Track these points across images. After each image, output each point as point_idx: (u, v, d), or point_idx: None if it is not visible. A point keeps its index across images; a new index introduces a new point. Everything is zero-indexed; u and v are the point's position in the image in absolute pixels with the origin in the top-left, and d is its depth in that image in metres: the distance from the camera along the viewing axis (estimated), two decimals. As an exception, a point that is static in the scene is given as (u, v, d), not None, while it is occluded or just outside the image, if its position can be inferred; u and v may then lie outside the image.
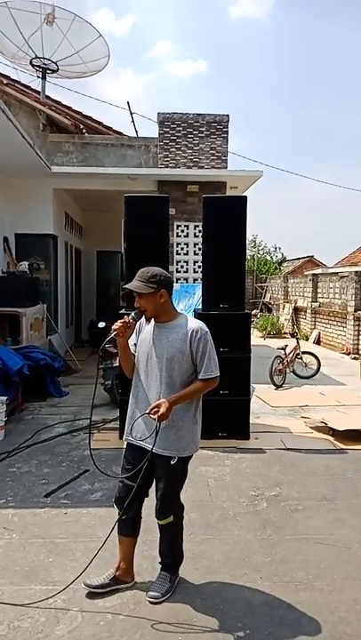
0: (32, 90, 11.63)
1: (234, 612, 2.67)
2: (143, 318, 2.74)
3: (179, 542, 2.94)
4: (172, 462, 2.70)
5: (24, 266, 8.48)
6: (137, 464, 2.69)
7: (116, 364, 6.50)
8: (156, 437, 2.59)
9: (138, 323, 2.75)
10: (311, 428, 5.86)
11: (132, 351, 2.79)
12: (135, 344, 2.79)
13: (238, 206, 5.48)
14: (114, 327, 2.62)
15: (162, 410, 2.51)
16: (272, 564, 3.14)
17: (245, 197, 5.64)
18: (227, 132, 10.40)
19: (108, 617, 2.61)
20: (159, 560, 2.95)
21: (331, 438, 5.50)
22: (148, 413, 2.57)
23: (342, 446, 5.28)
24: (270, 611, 2.69)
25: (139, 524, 2.90)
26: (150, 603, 2.73)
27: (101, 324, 7.66)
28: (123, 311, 5.48)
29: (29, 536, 3.38)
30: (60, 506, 3.83)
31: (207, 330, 2.70)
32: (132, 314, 2.69)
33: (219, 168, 10.20)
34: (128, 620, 2.59)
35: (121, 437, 5.30)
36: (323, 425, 5.75)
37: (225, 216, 5.43)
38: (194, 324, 2.68)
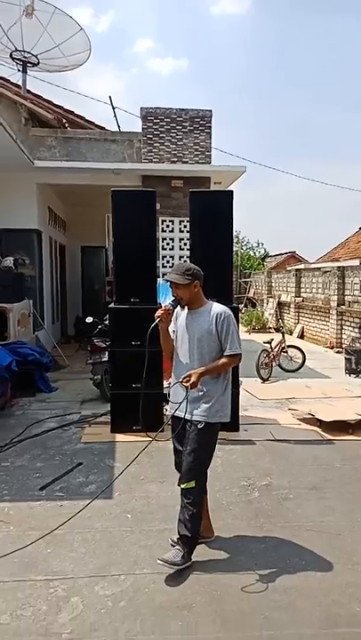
0: (13, 84, 11.51)
1: (230, 598, 2.74)
2: (179, 307, 3.12)
3: (197, 515, 3.04)
4: (199, 426, 3.00)
5: (9, 261, 8.41)
6: (181, 430, 3.07)
7: (105, 358, 6.52)
8: (187, 403, 2.96)
9: (175, 312, 3.15)
10: (299, 419, 5.97)
11: (172, 336, 3.20)
12: (174, 330, 3.19)
13: (225, 200, 5.52)
14: (157, 315, 3.02)
15: (193, 379, 2.90)
16: (266, 550, 3.22)
17: (232, 192, 5.68)
18: (210, 128, 10.43)
19: (108, 604, 2.66)
20: (176, 536, 3.05)
21: (318, 429, 5.61)
22: (181, 382, 2.95)
23: (330, 437, 5.40)
24: (266, 595, 2.77)
25: None
26: (158, 563, 2.89)
27: (89, 319, 7.67)
28: (111, 305, 5.51)
29: (26, 528, 3.41)
30: (56, 498, 3.86)
31: (230, 313, 3.11)
32: (170, 302, 3.09)
33: (202, 163, 10.24)
34: (128, 606, 2.64)
35: (112, 431, 5.34)
36: (310, 416, 5.85)
37: (212, 210, 5.46)
38: (219, 308, 3.08)
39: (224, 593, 2.78)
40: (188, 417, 3.02)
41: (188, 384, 2.91)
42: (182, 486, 3.04)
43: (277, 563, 3.09)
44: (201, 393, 3.02)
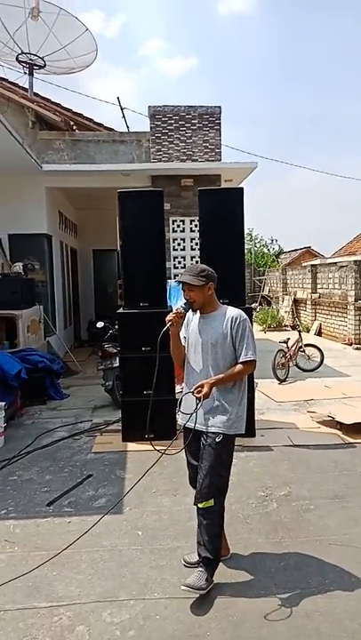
0: (20, 87, 11.42)
1: (248, 624, 2.54)
2: (190, 313, 2.97)
3: (218, 535, 2.87)
4: (217, 439, 2.81)
5: (18, 267, 8.33)
6: (195, 443, 2.87)
7: (116, 364, 6.36)
8: (196, 415, 2.79)
9: (186, 317, 2.98)
10: (318, 422, 5.73)
11: (183, 342, 3.03)
12: (185, 337, 3.02)
13: (235, 198, 5.31)
14: (168, 318, 2.86)
15: (205, 389, 2.71)
16: (286, 568, 3.00)
17: (242, 189, 5.48)
18: (219, 124, 10.21)
19: (116, 633, 2.47)
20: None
21: (339, 432, 5.37)
22: (193, 392, 2.75)
23: (351, 440, 5.15)
24: (287, 621, 2.56)
25: None
26: (182, 589, 2.71)
27: (100, 324, 7.54)
28: (120, 310, 5.34)
29: (32, 548, 3.24)
30: (64, 514, 3.69)
31: (246, 317, 2.92)
32: (182, 305, 2.93)
33: (212, 161, 10.03)
34: (137, 636, 2.45)
35: (124, 439, 5.17)
36: (330, 419, 5.62)
37: (222, 209, 5.26)
38: (234, 311, 2.91)
39: (242, 618, 2.58)
40: (202, 428, 2.84)
41: (200, 395, 2.71)
42: (200, 505, 2.83)
43: (298, 582, 2.87)
44: (216, 403, 2.84)
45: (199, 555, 2.85)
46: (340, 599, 2.72)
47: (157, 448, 2.99)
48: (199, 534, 2.86)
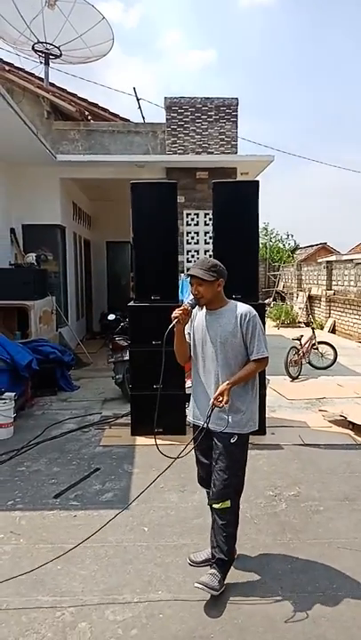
0: (36, 77, 11.39)
1: (253, 627, 2.49)
2: (197, 307, 2.86)
3: (233, 536, 2.83)
4: (231, 440, 2.75)
5: (32, 257, 8.30)
6: (205, 442, 2.82)
7: (127, 357, 6.33)
8: (209, 420, 2.73)
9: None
10: (330, 421, 5.64)
11: (187, 339, 2.93)
12: (189, 333, 2.92)
13: (250, 191, 5.21)
14: (174, 315, 2.76)
15: (225, 397, 2.64)
16: (293, 571, 2.95)
17: (257, 182, 5.37)
18: (236, 116, 10.07)
19: (118, 632, 2.44)
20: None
21: (350, 432, 5.28)
22: (214, 403, 2.67)
23: (363, 440, 5.06)
24: (293, 625, 2.50)
25: None
26: (196, 586, 2.66)
27: (111, 317, 7.51)
28: (131, 303, 5.30)
29: (37, 541, 3.22)
30: (70, 508, 3.66)
31: (255, 313, 2.82)
32: (189, 301, 2.82)
33: (228, 153, 9.90)
34: (140, 635, 2.42)
35: (133, 433, 5.14)
36: (342, 418, 5.53)
37: (236, 202, 5.17)
38: (243, 307, 2.81)
39: (246, 622, 2.53)
40: (215, 428, 2.76)
41: (222, 404, 2.63)
42: (216, 506, 2.77)
43: (305, 586, 2.82)
44: (230, 404, 2.74)
45: (213, 556, 2.81)
46: (348, 606, 2.66)
47: (167, 454, 2.78)
48: (213, 534, 2.82)
